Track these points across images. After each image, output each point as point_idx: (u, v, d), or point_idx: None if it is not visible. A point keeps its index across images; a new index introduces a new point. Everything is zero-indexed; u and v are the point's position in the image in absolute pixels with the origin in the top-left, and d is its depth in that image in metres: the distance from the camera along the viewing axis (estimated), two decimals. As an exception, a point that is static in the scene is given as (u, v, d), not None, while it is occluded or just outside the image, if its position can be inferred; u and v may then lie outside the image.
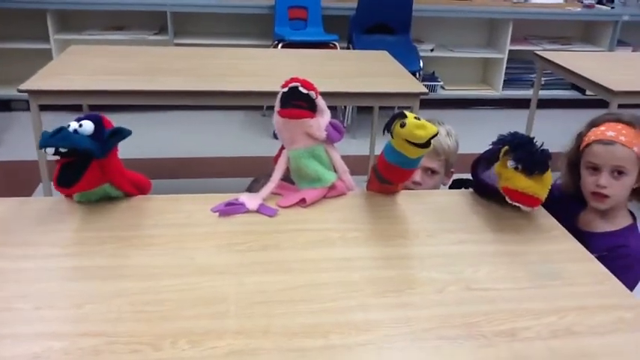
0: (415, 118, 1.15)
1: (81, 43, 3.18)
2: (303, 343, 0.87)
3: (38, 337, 0.85)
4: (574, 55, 3.55)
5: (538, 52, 3.26)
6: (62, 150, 1.11)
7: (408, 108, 2.34)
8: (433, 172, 1.69)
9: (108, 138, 1.18)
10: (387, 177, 1.28)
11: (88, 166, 1.14)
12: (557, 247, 1.17)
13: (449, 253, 1.12)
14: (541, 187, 1.19)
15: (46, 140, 1.11)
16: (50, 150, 1.10)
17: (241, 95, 2.34)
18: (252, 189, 1.70)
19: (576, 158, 1.45)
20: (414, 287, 1.01)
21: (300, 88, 1.23)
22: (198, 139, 3.76)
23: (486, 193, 1.32)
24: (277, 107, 1.26)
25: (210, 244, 1.11)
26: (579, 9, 4.58)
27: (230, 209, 1.23)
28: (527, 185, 1.18)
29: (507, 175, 1.21)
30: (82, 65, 2.48)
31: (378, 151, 3.16)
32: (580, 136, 1.46)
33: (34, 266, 1.02)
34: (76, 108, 3.10)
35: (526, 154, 1.18)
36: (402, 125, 1.14)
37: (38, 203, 1.26)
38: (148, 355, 0.83)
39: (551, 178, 1.21)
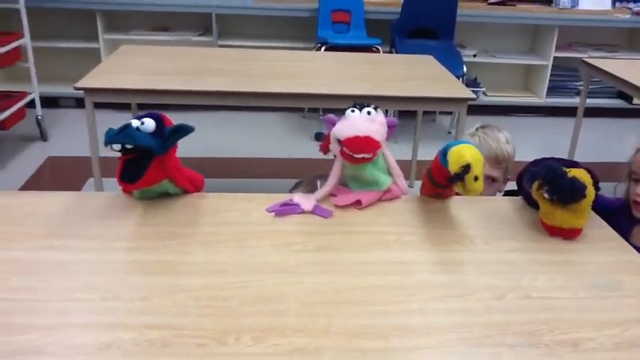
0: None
1: (128, 43, 3.25)
2: (364, 344, 0.87)
3: (107, 327, 0.88)
4: (621, 62, 3.48)
5: (585, 59, 3.20)
6: (127, 147, 1.14)
7: (449, 114, 2.34)
8: (493, 180, 1.69)
9: (170, 135, 1.20)
10: (442, 182, 1.28)
11: (151, 163, 1.17)
12: (616, 258, 1.15)
13: (506, 261, 1.12)
14: (579, 216, 1.19)
15: (112, 137, 1.14)
16: (116, 146, 1.14)
17: (284, 97, 2.37)
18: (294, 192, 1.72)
19: (632, 171, 1.43)
20: (472, 293, 1.01)
21: (366, 156, 1.22)
22: (238, 139, 3.80)
23: (534, 204, 1.31)
24: (339, 148, 1.24)
25: (267, 243, 1.13)
26: (628, 16, 4.48)
27: (285, 209, 1.25)
28: (564, 220, 1.18)
29: (545, 208, 1.21)
30: (132, 65, 2.54)
31: (420, 155, 3.17)
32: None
33: (99, 259, 1.05)
34: (124, 107, 3.19)
35: (559, 188, 1.17)
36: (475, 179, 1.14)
37: (98, 198, 1.29)
38: (214, 349, 0.84)
39: (589, 203, 1.19)
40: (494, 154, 1.75)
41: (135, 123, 1.20)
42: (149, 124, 1.20)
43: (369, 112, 1.24)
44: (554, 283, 1.05)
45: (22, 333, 0.85)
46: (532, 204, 1.32)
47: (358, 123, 1.21)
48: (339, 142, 1.22)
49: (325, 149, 1.39)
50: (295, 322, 0.91)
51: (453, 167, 1.15)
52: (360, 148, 1.19)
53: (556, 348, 0.88)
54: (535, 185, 1.21)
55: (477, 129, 1.83)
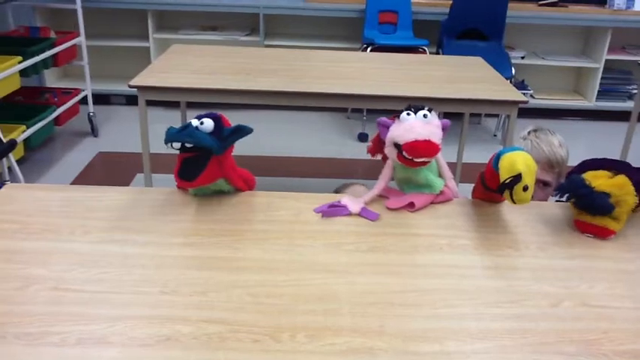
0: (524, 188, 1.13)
1: (177, 42, 3.32)
2: (419, 346, 0.87)
3: (166, 320, 0.90)
4: (680, 66, 3.36)
5: (641, 63, 3.11)
6: (187, 145, 1.17)
7: (495, 117, 2.30)
8: (545, 184, 1.66)
9: (229, 135, 1.23)
10: (494, 187, 1.26)
11: (209, 162, 1.20)
12: (677, 268, 1.12)
13: (561, 267, 1.10)
14: (613, 222, 1.18)
15: (173, 135, 1.17)
16: (176, 144, 1.16)
17: (330, 97, 2.38)
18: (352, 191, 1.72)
19: None
20: (527, 299, 0.99)
21: (426, 160, 1.23)
22: (282, 138, 3.84)
23: None
24: (395, 152, 1.24)
25: (319, 242, 1.14)
26: (686, 18, 4.33)
27: (333, 211, 1.25)
28: (594, 219, 1.18)
29: (575, 210, 1.22)
30: (182, 64, 2.59)
31: (465, 158, 3.13)
32: None
33: (157, 253, 1.08)
34: (173, 104, 3.25)
35: (584, 206, 1.19)
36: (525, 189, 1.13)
37: (155, 193, 1.32)
38: (269, 345, 0.86)
39: (625, 211, 1.19)
40: (546, 158, 1.72)
41: (195, 122, 1.23)
42: (208, 124, 1.22)
43: (424, 115, 1.23)
44: (612, 291, 1.03)
45: (86, 323, 0.89)
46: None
47: (417, 127, 1.20)
48: (398, 146, 1.21)
49: (373, 151, 1.39)
50: (349, 321, 0.91)
51: (504, 175, 1.14)
52: (421, 152, 1.19)
53: (616, 358, 0.86)
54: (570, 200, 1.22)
55: (529, 132, 1.80)
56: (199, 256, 1.07)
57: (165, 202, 1.27)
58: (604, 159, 1.29)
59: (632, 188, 1.18)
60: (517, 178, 1.12)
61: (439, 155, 1.30)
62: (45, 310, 0.91)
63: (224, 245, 1.11)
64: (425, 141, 1.19)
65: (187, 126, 1.20)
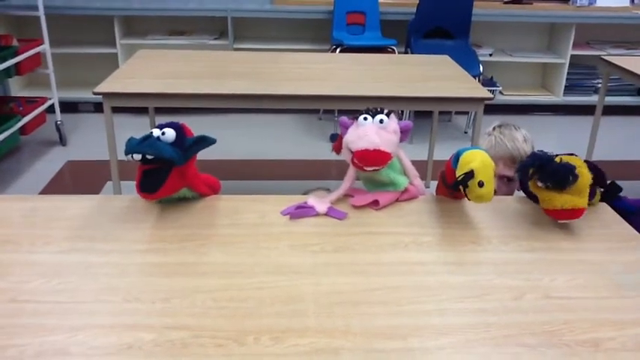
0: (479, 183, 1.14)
1: (145, 47, 3.27)
2: (383, 344, 0.87)
3: (129, 328, 0.89)
4: (641, 60, 3.44)
5: (604, 57, 3.17)
6: (148, 157, 1.15)
7: (465, 114, 2.34)
8: (509, 179, 1.68)
9: (191, 146, 1.21)
10: (450, 182, 1.28)
11: (170, 174, 1.18)
12: (637, 257, 1.14)
13: (523, 261, 1.11)
14: (579, 196, 1.18)
15: (134, 147, 1.15)
16: (137, 156, 1.15)
17: (300, 99, 2.37)
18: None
19: None
20: (490, 293, 1.01)
21: (376, 169, 1.22)
22: (254, 141, 3.82)
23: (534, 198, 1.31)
24: (350, 156, 1.24)
25: (285, 244, 1.14)
26: (647, 13, 4.43)
27: (300, 212, 1.25)
28: (564, 201, 1.18)
29: (543, 196, 1.21)
30: (149, 69, 2.57)
31: (436, 156, 3.16)
32: None
33: (120, 261, 1.07)
34: (141, 110, 3.22)
35: (550, 173, 1.18)
36: (481, 185, 1.14)
37: (119, 201, 1.31)
38: (233, 349, 0.85)
39: (586, 183, 1.20)
40: (509, 153, 1.74)
41: (156, 132, 1.21)
42: (170, 134, 1.21)
43: (381, 120, 1.23)
44: (573, 282, 1.05)
45: (47, 334, 0.87)
46: (533, 198, 1.32)
47: (370, 134, 1.20)
48: (350, 151, 1.22)
49: (338, 150, 1.40)
50: (314, 322, 0.91)
51: (459, 173, 1.16)
52: (370, 161, 1.19)
53: (577, 348, 0.88)
54: (531, 180, 1.22)
55: (494, 128, 1.82)
56: (163, 263, 1.06)
57: (129, 210, 1.26)
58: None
59: (584, 164, 1.21)
60: (469, 174, 1.13)
61: (402, 154, 1.31)
62: (3, 323, 0.89)
63: (188, 251, 1.10)
64: (375, 150, 1.19)
65: (148, 136, 1.18)
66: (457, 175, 1.16)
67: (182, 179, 1.22)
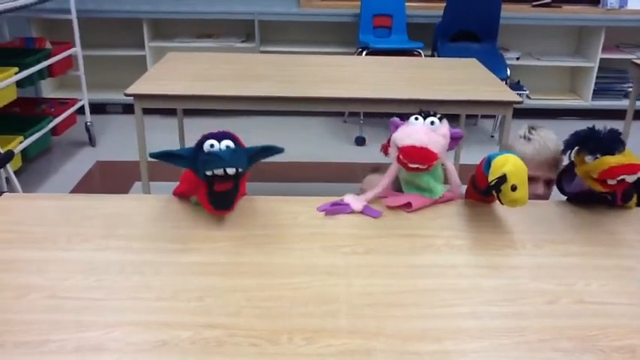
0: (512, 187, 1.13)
1: (173, 50, 3.32)
2: (416, 346, 0.87)
3: (164, 325, 0.90)
4: (674, 63, 3.37)
5: (635, 61, 3.12)
6: (230, 172, 1.14)
7: (492, 117, 2.33)
8: (551, 181, 1.66)
9: (256, 154, 1.23)
10: (481, 187, 1.28)
11: (239, 185, 1.20)
12: (674, 263, 1.12)
13: (558, 265, 1.10)
14: (631, 157, 1.17)
15: (226, 162, 1.14)
16: (231, 170, 1.14)
17: (326, 101, 2.38)
18: (368, 181, 1.73)
19: None
20: (524, 297, 1.00)
21: (420, 167, 1.21)
22: (281, 144, 3.83)
23: (584, 200, 1.29)
24: (396, 153, 1.23)
25: (317, 245, 1.14)
26: (679, 15, 4.34)
27: (335, 209, 1.26)
28: (617, 160, 1.16)
29: (593, 166, 1.18)
30: (178, 71, 2.60)
31: (462, 160, 3.13)
32: None
33: (155, 260, 1.08)
34: (169, 112, 3.26)
35: (596, 142, 1.17)
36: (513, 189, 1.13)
37: (152, 201, 1.33)
38: (267, 348, 0.86)
39: (631, 153, 1.19)
40: (554, 154, 1.72)
41: (217, 145, 1.19)
42: (231, 146, 1.21)
43: (432, 122, 1.24)
44: (608, 288, 1.03)
45: (84, 330, 0.89)
46: (581, 202, 1.31)
47: (418, 133, 1.21)
48: (397, 148, 1.22)
49: (386, 151, 1.40)
50: (346, 323, 0.92)
51: (490, 177, 1.15)
52: (415, 158, 1.19)
53: (613, 354, 0.87)
54: (576, 157, 1.21)
55: (529, 131, 1.78)
56: (197, 262, 1.07)
57: (163, 210, 1.28)
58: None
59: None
60: (502, 178, 1.13)
61: (448, 162, 1.30)
62: (42, 319, 0.91)
63: (222, 251, 1.11)
64: (421, 148, 1.19)
65: (234, 150, 1.18)
66: (490, 180, 1.15)
67: (243, 188, 1.24)
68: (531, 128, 1.79)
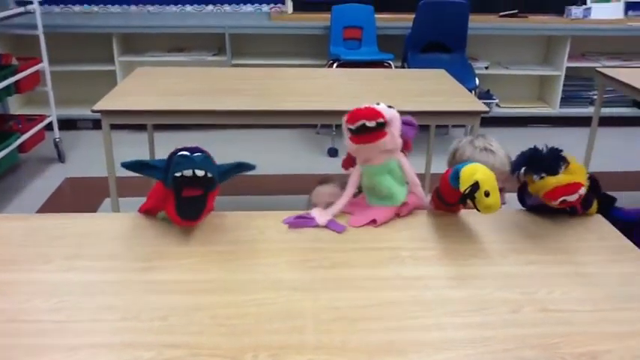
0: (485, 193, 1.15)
1: (143, 64, 3.30)
2: (382, 360, 0.88)
3: (127, 346, 0.89)
4: (636, 71, 3.45)
5: (599, 69, 3.19)
6: (199, 174, 1.15)
7: (462, 127, 2.37)
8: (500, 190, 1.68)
9: (228, 171, 1.23)
10: (450, 201, 1.29)
11: (208, 198, 1.19)
12: (633, 269, 1.15)
13: (521, 274, 1.12)
14: (574, 175, 1.21)
15: (197, 163, 1.15)
16: (188, 172, 1.14)
17: (298, 114, 2.39)
18: (317, 193, 1.74)
19: None
20: (488, 307, 1.01)
21: (368, 124, 1.21)
22: (253, 156, 3.80)
23: (545, 211, 1.32)
24: (348, 134, 1.25)
25: (283, 260, 1.14)
26: (641, 24, 4.46)
27: (300, 222, 1.26)
28: (558, 180, 1.20)
29: (538, 187, 1.23)
30: (147, 86, 2.58)
31: (433, 169, 3.16)
32: None
33: (119, 279, 1.07)
34: (140, 127, 3.23)
35: (538, 163, 1.22)
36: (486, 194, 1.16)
37: (119, 219, 1.32)
38: (232, 367, 0.85)
39: (578, 166, 1.24)
40: (507, 163, 1.74)
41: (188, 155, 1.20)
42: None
43: (378, 104, 1.25)
44: (570, 295, 1.05)
45: (47, 354, 0.87)
46: (529, 208, 1.33)
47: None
48: (345, 125, 1.22)
49: (346, 165, 1.40)
50: (312, 339, 0.92)
51: (462, 186, 1.17)
52: (360, 115, 1.20)
53: (574, 361, 0.88)
54: (526, 176, 1.25)
55: (480, 143, 1.79)
56: (162, 281, 1.06)
57: (129, 228, 1.26)
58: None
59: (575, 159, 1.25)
60: (475, 186, 1.15)
61: (404, 160, 1.31)
62: (1, 343, 0.89)
63: (187, 268, 1.10)
64: (365, 107, 1.20)
65: (187, 157, 1.18)
66: (463, 189, 1.17)
67: (211, 203, 1.23)
68: (482, 138, 1.81)
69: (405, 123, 1.29)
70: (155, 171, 1.21)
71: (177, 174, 1.14)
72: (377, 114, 1.21)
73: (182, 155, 1.17)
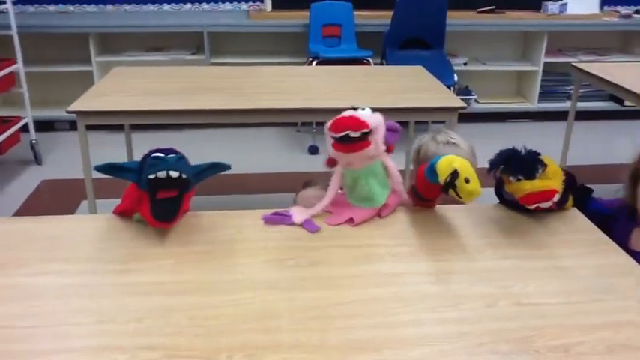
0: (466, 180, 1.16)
1: (121, 64, 3.27)
2: (358, 357, 0.88)
3: (102, 349, 0.88)
4: (611, 65, 3.51)
5: (575, 64, 3.23)
6: (173, 176, 1.13)
7: (442, 123, 2.38)
8: None
9: (203, 171, 1.22)
10: (428, 197, 1.30)
11: (183, 200, 1.18)
12: (607, 261, 1.16)
13: (498, 268, 1.13)
14: (549, 181, 1.22)
15: (171, 165, 1.13)
16: (162, 174, 1.13)
17: (277, 113, 2.38)
18: (302, 197, 1.73)
19: (638, 172, 1.41)
20: (465, 302, 1.01)
21: (352, 134, 1.19)
22: (233, 155, 3.81)
23: (520, 207, 1.33)
24: (331, 141, 1.23)
25: (260, 260, 1.14)
26: (616, 19, 4.53)
27: (276, 219, 1.26)
28: (533, 185, 1.21)
29: (514, 189, 1.24)
30: (124, 86, 2.56)
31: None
32: None
33: (94, 282, 1.06)
34: (117, 128, 3.20)
35: (516, 165, 1.22)
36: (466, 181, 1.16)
37: (93, 221, 1.30)
38: (208, 368, 0.85)
39: (555, 170, 1.24)
40: (472, 155, 1.76)
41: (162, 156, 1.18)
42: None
43: (363, 109, 1.24)
44: (545, 288, 1.06)
45: None
46: (507, 203, 1.34)
47: (345, 113, 1.22)
48: (329, 134, 1.22)
49: (330, 164, 1.39)
50: (289, 338, 0.91)
51: (441, 177, 1.17)
52: (344, 125, 1.18)
53: (548, 354, 0.89)
54: (503, 175, 1.25)
55: (443, 138, 1.79)
56: (137, 282, 1.05)
57: (104, 230, 1.25)
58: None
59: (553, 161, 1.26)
60: (454, 175, 1.16)
61: (387, 159, 1.31)
62: (-27, 350, 0.88)
63: (164, 269, 1.09)
64: (350, 116, 1.19)
65: (162, 159, 1.16)
66: (443, 180, 1.18)
67: (186, 205, 1.22)
68: (443, 132, 1.82)
69: (388, 129, 1.28)
70: (129, 173, 1.19)
71: (151, 176, 1.13)
72: (361, 124, 1.19)
73: (155, 157, 1.16)
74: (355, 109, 1.26)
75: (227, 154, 3.84)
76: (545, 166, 1.22)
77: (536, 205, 1.21)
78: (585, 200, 1.42)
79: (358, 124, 1.19)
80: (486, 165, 1.28)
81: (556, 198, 1.21)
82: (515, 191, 1.24)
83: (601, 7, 4.72)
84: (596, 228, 1.28)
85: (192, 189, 1.22)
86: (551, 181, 1.22)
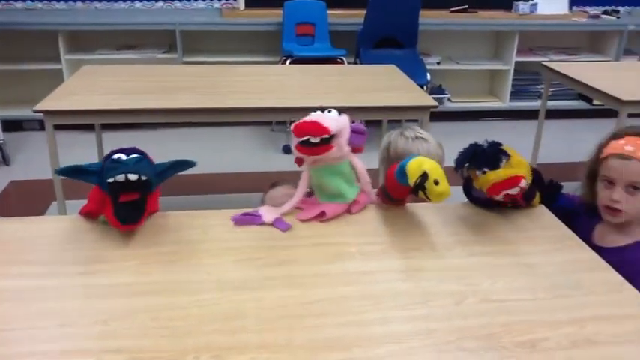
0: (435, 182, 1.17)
1: (92, 62, 3.22)
2: (326, 356, 0.87)
3: (64, 354, 0.86)
4: (581, 65, 3.56)
5: (545, 63, 3.27)
6: (132, 178, 1.11)
7: (415, 122, 2.40)
8: None
9: (166, 170, 1.20)
10: (398, 197, 1.30)
11: (147, 200, 1.16)
12: (573, 257, 1.18)
13: (466, 266, 1.13)
14: (514, 169, 1.23)
15: (129, 167, 1.11)
16: (121, 177, 1.11)
17: (252, 111, 2.37)
18: (270, 197, 1.72)
19: (595, 169, 1.43)
20: (433, 299, 1.02)
21: (312, 140, 1.19)
22: (206, 155, 3.78)
23: (490, 205, 1.34)
24: (295, 142, 1.23)
25: (228, 260, 1.13)
26: (585, 19, 4.60)
27: (246, 219, 1.25)
28: (498, 175, 1.22)
29: (481, 182, 1.25)
30: (94, 85, 2.51)
31: (387, 164, 3.17)
32: (600, 148, 1.44)
33: (58, 284, 1.04)
34: (87, 127, 3.15)
35: (479, 158, 1.24)
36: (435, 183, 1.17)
37: (58, 222, 1.28)
38: (173, 370, 0.84)
39: (519, 160, 1.26)
40: (440, 149, 1.77)
41: (122, 158, 1.17)
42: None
43: (329, 111, 1.24)
44: (512, 285, 1.07)
45: (-24, 365, 0.84)
46: (475, 201, 1.36)
47: (311, 116, 1.22)
48: (293, 136, 1.21)
49: (299, 163, 1.39)
50: (255, 338, 0.91)
51: (411, 179, 1.18)
52: (305, 130, 1.18)
53: (515, 350, 0.90)
54: (470, 172, 1.27)
55: (412, 134, 1.80)
56: (102, 284, 1.04)
57: (69, 231, 1.22)
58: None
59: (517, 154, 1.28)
60: (424, 177, 1.16)
61: (355, 160, 1.31)
62: None
63: (129, 271, 1.08)
64: (311, 122, 1.19)
65: (117, 160, 1.14)
66: (413, 182, 1.18)
67: (153, 203, 1.20)
68: (410, 129, 1.83)
69: (354, 131, 1.28)
70: (92, 176, 1.17)
71: (110, 180, 1.11)
72: (322, 130, 1.19)
73: (113, 160, 1.14)
74: (323, 110, 1.26)
75: (201, 154, 3.80)
76: (508, 156, 1.23)
77: (504, 193, 1.21)
78: (555, 196, 1.44)
79: (319, 129, 1.19)
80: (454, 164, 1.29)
81: (524, 184, 1.21)
82: (482, 184, 1.24)
83: (570, 8, 4.79)
84: (562, 224, 1.30)
85: (157, 189, 1.21)
86: (517, 169, 1.23)
